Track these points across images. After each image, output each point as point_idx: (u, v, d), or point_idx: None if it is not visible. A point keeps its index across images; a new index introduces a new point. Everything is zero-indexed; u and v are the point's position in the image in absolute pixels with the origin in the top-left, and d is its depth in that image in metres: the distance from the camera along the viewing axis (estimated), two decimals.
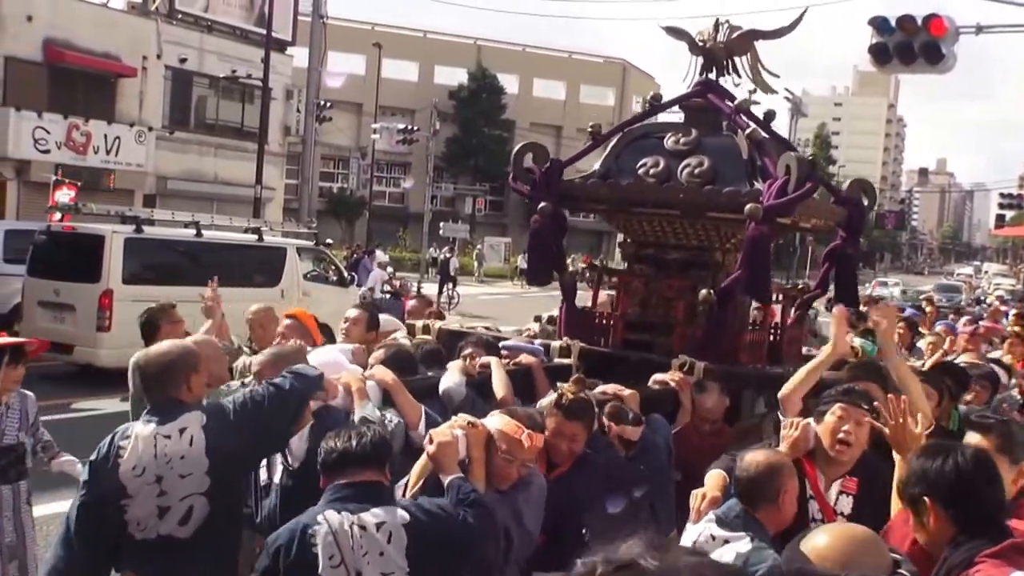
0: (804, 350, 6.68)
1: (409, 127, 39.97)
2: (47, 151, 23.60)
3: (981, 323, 13.06)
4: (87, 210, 14.39)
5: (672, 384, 5.22)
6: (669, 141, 6.01)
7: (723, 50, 6.10)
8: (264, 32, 26.40)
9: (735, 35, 6.10)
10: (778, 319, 6.56)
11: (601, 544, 1.57)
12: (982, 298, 36.00)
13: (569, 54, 62.45)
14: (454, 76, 56.70)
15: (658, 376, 5.30)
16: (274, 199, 30.10)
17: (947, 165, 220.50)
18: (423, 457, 3.65)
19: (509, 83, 57.73)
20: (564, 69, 60.92)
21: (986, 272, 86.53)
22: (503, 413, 3.85)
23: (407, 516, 3.26)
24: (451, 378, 4.75)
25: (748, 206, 5.27)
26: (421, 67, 57.32)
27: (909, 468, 2.95)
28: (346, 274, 18.52)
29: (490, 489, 3.67)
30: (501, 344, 5.74)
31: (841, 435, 3.93)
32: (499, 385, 4.89)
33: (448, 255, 32.94)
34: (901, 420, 3.59)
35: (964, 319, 14.13)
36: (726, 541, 3.39)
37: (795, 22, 6.15)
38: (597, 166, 6.23)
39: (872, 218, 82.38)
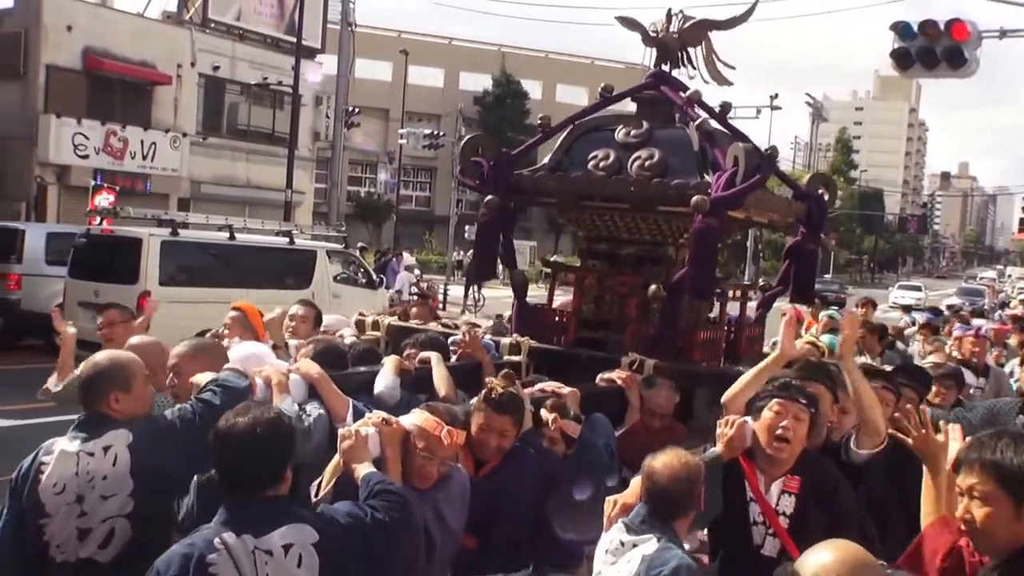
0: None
1: (435, 132, 40.28)
2: (86, 156, 24.16)
3: (987, 326, 12.87)
4: (125, 214, 14.85)
5: (619, 382, 5.02)
6: (620, 133, 5.81)
7: (676, 41, 5.91)
8: (294, 40, 26.90)
9: (687, 25, 5.92)
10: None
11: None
12: (1006, 302, 35.93)
13: (591, 60, 62.78)
14: (479, 82, 57.22)
15: (605, 374, 5.11)
16: (304, 203, 30.48)
17: (969, 169, 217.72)
18: (336, 456, 3.42)
19: (532, 89, 58.15)
20: (586, 75, 61.04)
21: (1009, 276, 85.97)
22: (422, 409, 3.64)
23: (316, 534, 2.92)
24: (384, 380, 4.49)
25: (694, 198, 5.07)
26: (447, 73, 57.88)
27: (1010, 462, 2.63)
28: (375, 276, 18.74)
29: (407, 488, 3.44)
30: (450, 340, 5.59)
31: (779, 431, 3.73)
32: (440, 382, 4.71)
33: None
34: (924, 430, 3.32)
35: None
36: (634, 545, 3.27)
37: (747, 12, 6.01)
38: (547, 159, 6.02)
39: (895, 222, 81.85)
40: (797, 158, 74.59)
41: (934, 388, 6.04)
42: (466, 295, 30.36)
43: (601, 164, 5.67)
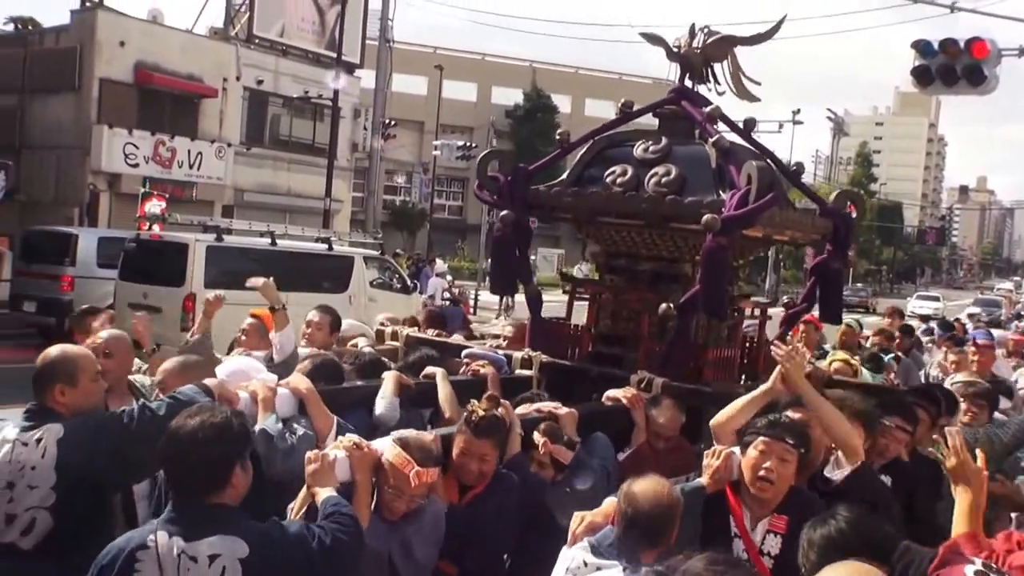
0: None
1: (468, 144, 40.78)
2: (136, 165, 24.92)
3: (1008, 336, 12.75)
4: (172, 220, 15.55)
5: (624, 401, 4.83)
6: (639, 149, 5.71)
7: (700, 56, 5.83)
8: (334, 56, 27.80)
9: (711, 40, 5.83)
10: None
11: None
12: (1023, 313, 36.06)
13: (619, 76, 63.41)
14: (510, 96, 58.02)
15: (610, 392, 4.93)
16: (342, 211, 31.02)
17: (987, 183, 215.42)
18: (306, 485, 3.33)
19: (562, 103, 58.85)
20: (614, 90, 61.49)
21: None
22: (396, 442, 3.50)
23: (247, 549, 2.83)
24: (383, 402, 4.40)
25: (705, 217, 4.90)
26: (479, 88, 58.91)
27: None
28: (409, 282, 19.15)
29: (377, 518, 3.40)
30: (464, 353, 5.52)
31: (762, 472, 3.55)
32: (445, 401, 4.62)
33: None
34: (962, 455, 3.24)
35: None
36: (598, 568, 3.13)
37: (773, 29, 5.93)
38: (566, 174, 5.96)
39: (914, 234, 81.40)
40: (818, 171, 75.17)
41: (964, 406, 5.74)
42: (501, 300, 30.97)
43: (618, 180, 5.57)
